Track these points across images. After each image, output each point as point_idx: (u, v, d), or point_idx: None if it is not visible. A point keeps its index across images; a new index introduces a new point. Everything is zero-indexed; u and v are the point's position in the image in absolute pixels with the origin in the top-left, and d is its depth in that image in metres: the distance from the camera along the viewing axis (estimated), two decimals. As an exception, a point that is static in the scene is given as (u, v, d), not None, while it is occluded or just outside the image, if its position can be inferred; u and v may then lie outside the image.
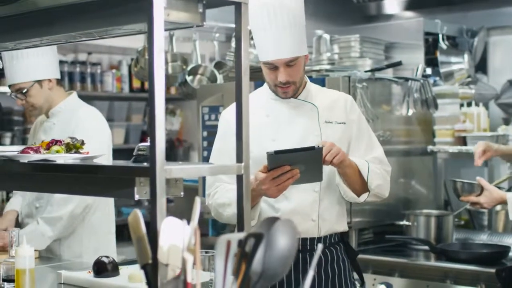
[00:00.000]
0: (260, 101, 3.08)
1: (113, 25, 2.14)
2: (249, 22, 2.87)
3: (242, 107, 2.16)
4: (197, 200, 1.75)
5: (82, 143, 2.52)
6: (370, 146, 3.06)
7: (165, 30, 2.24)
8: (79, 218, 3.61)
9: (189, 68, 5.09)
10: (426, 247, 4.04)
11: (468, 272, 3.67)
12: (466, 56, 4.85)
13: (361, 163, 2.95)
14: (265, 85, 3.08)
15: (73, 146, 2.49)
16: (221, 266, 1.61)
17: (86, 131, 3.54)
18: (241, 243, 1.63)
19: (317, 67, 4.31)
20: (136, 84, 6.82)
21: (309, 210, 2.95)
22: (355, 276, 3.15)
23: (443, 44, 4.83)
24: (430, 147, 4.59)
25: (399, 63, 4.35)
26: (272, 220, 1.64)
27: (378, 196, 3.03)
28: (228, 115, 3.08)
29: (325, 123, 2.99)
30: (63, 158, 2.37)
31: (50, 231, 3.53)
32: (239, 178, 2.14)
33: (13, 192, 3.96)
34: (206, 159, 4.63)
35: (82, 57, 6.66)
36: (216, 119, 4.65)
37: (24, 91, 3.64)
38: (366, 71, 4.24)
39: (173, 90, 6.55)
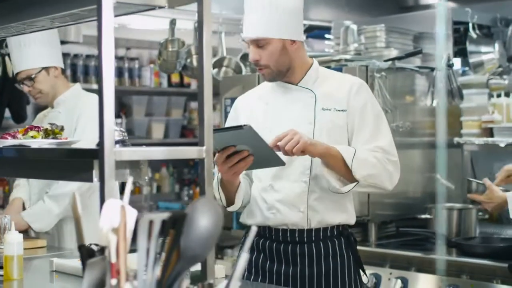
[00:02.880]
0: (263, 89, 3.05)
1: (68, 9, 2.12)
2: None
3: (204, 89, 2.11)
4: (129, 180, 1.72)
5: (62, 129, 2.52)
6: (375, 135, 2.86)
7: (123, 14, 2.24)
8: (86, 196, 3.59)
9: (213, 61, 5.06)
10: (447, 241, 3.92)
11: (483, 266, 3.54)
12: (497, 45, 4.68)
13: (346, 151, 2.78)
14: None
15: (51, 132, 2.50)
16: (143, 247, 1.57)
17: (90, 118, 3.59)
18: (165, 223, 1.58)
19: (337, 57, 4.23)
20: (175, 78, 6.85)
21: (297, 201, 2.85)
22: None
23: (473, 33, 4.67)
24: (456, 139, 4.45)
25: (419, 52, 4.23)
26: (197, 200, 1.59)
27: (374, 187, 2.84)
28: (237, 102, 3.11)
29: (322, 110, 2.87)
30: (38, 143, 2.37)
31: (57, 208, 3.58)
32: (201, 162, 2.10)
33: (15, 181, 3.98)
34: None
35: (121, 52, 6.71)
36: (238, 111, 4.62)
37: (32, 76, 3.72)
38: (385, 61, 4.13)
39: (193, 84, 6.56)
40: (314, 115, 2.88)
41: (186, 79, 6.85)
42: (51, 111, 3.82)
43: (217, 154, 2.69)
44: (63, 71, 3.90)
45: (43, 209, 3.61)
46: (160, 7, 2.15)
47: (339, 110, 2.87)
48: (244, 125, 2.58)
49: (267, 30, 2.80)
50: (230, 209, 2.97)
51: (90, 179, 2.02)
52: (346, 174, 2.77)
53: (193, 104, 7.15)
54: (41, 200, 3.64)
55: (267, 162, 2.75)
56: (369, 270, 3.84)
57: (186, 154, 2.13)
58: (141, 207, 6.50)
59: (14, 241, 2.76)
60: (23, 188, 3.87)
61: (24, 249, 3.30)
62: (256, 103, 3.01)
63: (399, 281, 3.74)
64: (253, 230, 1.64)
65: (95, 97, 3.80)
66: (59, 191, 3.59)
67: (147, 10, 2.19)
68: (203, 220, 1.55)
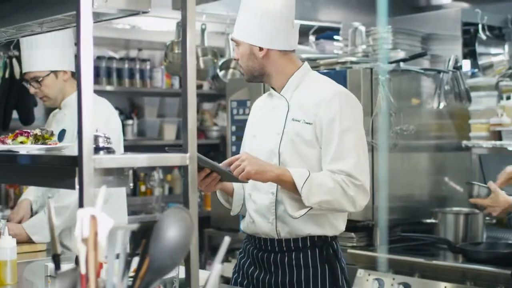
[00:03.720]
0: (264, 96, 3.06)
1: (50, 14, 2.10)
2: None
3: (188, 95, 2.08)
4: (102, 188, 1.69)
5: (51, 134, 2.51)
6: (340, 155, 2.70)
7: (106, 19, 2.22)
8: None
9: (220, 63, 5.04)
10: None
11: (486, 273, 3.47)
12: (507, 47, 4.61)
13: (299, 176, 2.67)
14: None
15: (41, 137, 2.48)
16: (112, 258, 1.55)
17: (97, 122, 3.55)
18: (134, 234, 1.56)
19: (342, 59, 4.19)
20: (187, 80, 6.82)
21: (266, 212, 2.84)
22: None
23: (482, 35, 4.60)
24: (464, 142, 4.39)
25: (423, 54, 4.17)
26: (167, 210, 1.57)
27: (334, 210, 2.75)
28: (255, 104, 3.09)
29: (292, 121, 2.80)
30: (26, 148, 2.36)
31: (57, 220, 3.53)
32: (185, 169, 2.08)
33: None
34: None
35: (133, 53, 6.71)
36: (244, 113, 4.60)
37: (39, 79, 3.67)
38: (389, 63, 4.08)
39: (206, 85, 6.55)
40: (283, 126, 2.82)
41: (198, 80, 6.84)
42: (59, 112, 3.79)
43: None
44: (74, 73, 3.81)
45: (44, 221, 3.57)
46: (144, 12, 2.13)
47: (306, 123, 2.77)
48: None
49: (238, 32, 2.85)
50: (231, 213, 3.04)
51: (72, 186, 1.99)
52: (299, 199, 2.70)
53: (206, 105, 7.14)
54: (42, 211, 3.62)
55: (231, 178, 2.74)
56: (373, 275, 3.81)
57: (169, 161, 2.11)
58: (152, 209, 6.50)
59: (8, 246, 2.76)
60: (32, 189, 3.87)
61: (24, 252, 3.33)
62: (256, 110, 3.03)
63: (401, 286, 3.69)
64: (226, 241, 1.61)
65: (100, 102, 3.76)
66: (60, 204, 3.55)
67: (130, 15, 2.14)
68: (172, 230, 1.52)
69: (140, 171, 6.68)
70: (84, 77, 1.87)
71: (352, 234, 3.99)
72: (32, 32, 2.51)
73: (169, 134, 6.82)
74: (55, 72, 3.69)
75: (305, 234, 2.81)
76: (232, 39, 2.89)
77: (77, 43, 1.87)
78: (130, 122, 6.55)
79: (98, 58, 6.32)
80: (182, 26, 2.10)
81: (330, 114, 2.74)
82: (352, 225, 4.01)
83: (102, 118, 3.60)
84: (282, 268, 2.84)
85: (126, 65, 6.45)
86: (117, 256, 1.57)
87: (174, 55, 4.99)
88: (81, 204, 1.87)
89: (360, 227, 4.06)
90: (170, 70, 5.12)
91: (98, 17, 2.19)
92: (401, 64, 4.16)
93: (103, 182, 1.99)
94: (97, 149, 2.06)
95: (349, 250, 3.93)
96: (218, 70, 5.03)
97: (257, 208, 2.87)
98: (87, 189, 1.86)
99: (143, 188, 6.74)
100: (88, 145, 1.86)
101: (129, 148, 6.52)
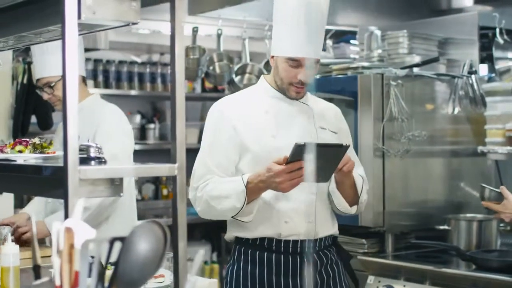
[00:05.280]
0: (258, 97, 3.07)
1: (39, 27, 2.12)
2: (281, 13, 2.92)
3: (176, 105, 2.10)
4: (80, 201, 1.70)
5: (50, 143, 2.54)
6: (356, 162, 3.08)
7: (96, 31, 2.23)
8: (109, 210, 3.59)
9: (236, 67, 5.03)
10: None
11: (497, 281, 3.41)
12: (524, 51, 4.55)
13: (356, 176, 3.01)
14: (261, 82, 3.07)
15: (39, 146, 2.51)
16: (84, 270, 1.56)
17: (106, 133, 3.59)
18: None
19: (354, 65, 4.16)
20: (209, 84, 6.84)
21: (307, 211, 2.93)
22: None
23: (500, 39, 4.53)
24: (480, 148, 4.33)
25: (436, 59, 4.13)
26: (138, 224, 1.57)
27: (359, 209, 3.12)
28: (221, 106, 3.04)
29: (320, 128, 3.02)
30: (23, 157, 2.39)
31: None
32: (173, 180, 2.08)
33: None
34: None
35: (155, 57, 6.75)
36: (259, 118, 4.58)
37: (52, 85, 3.72)
38: (402, 68, 4.04)
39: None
40: (316, 131, 3.00)
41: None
42: None
43: (282, 166, 2.71)
44: (84, 79, 3.91)
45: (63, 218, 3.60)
46: (133, 24, 2.13)
47: (331, 131, 3.05)
48: (345, 145, 2.73)
49: (320, 50, 2.96)
50: (245, 219, 2.93)
51: (61, 196, 2.01)
52: (353, 197, 3.01)
53: (228, 109, 7.15)
54: (61, 210, 3.66)
55: (318, 177, 2.79)
56: (383, 282, 3.78)
57: (157, 171, 2.12)
58: (173, 212, 6.52)
59: (10, 252, 2.77)
60: (34, 204, 3.91)
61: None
62: (252, 111, 3.02)
63: (411, 295, 3.66)
64: (200, 254, 1.61)
65: (111, 111, 3.80)
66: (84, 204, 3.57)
67: (120, 26, 2.15)
68: (141, 245, 1.53)
69: (162, 175, 6.70)
70: (69, 88, 1.89)
71: (363, 241, 3.96)
72: (31, 42, 2.53)
73: (191, 137, 6.84)
74: None
75: (330, 233, 3.05)
76: (313, 62, 2.92)
77: (62, 53, 1.89)
78: (152, 126, 6.58)
79: (120, 63, 6.37)
80: (170, 37, 2.11)
81: (345, 126, 3.16)
82: (363, 231, 3.99)
83: (110, 127, 3.63)
84: (314, 268, 2.96)
85: (148, 70, 6.48)
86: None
87: (189, 60, 5.00)
88: (66, 215, 1.88)
89: (372, 233, 4.03)
90: (186, 75, 5.13)
91: (91, 28, 2.21)
92: (415, 69, 4.13)
93: (92, 192, 2.01)
94: (88, 159, 2.08)
95: (360, 257, 3.90)
96: (233, 76, 5.03)
97: (296, 207, 2.92)
98: (72, 200, 1.88)
99: (165, 191, 6.78)
100: (73, 156, 1.88)
101: (151, 152, 6.57)
